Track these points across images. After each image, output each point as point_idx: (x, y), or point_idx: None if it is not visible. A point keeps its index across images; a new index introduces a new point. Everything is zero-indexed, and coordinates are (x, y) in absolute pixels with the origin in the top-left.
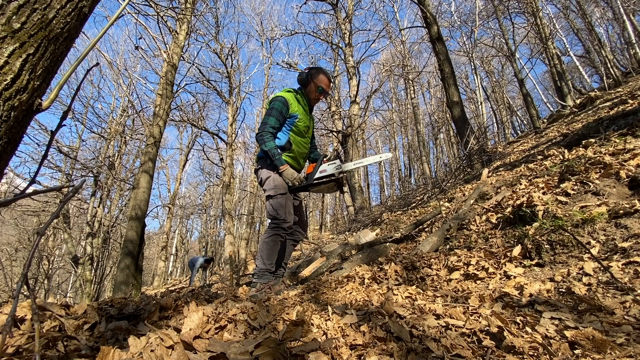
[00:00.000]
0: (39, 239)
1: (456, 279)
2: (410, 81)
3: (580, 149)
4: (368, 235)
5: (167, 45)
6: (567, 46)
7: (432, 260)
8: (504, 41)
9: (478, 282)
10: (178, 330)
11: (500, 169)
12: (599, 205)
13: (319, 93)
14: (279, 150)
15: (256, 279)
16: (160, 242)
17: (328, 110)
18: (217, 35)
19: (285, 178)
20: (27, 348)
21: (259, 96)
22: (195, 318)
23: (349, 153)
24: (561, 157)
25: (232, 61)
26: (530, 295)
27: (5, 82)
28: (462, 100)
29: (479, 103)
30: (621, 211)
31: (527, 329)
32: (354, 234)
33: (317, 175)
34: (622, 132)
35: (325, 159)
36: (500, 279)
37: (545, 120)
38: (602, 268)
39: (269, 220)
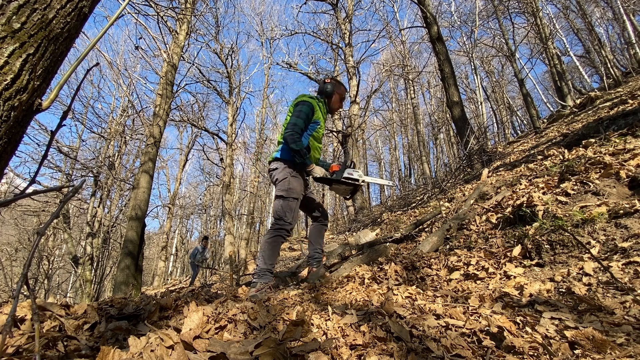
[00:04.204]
0: (39, 239)
1: (456, 279)
2: (410, 81)
3: (580, 149)
4: (368, 235)
5: (167, 45)
6: (567, 46)
7: (432, 260)
8: (504, 41)
9: (478, 282)
10: (178, 330)
11: (500, 169)
12: (599, 205)
13: (340, 102)
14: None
15: (256, 278)
16: (160, 242)
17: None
18: (217, 35)
19: (314, 174)
20: (27, 348)
21: (259, 96)
22: (195, 318)
23: (349, 153)
24: (561, 157)
25: (232, 61)
26: (530, 295)
27: (5, 82)
28: (462, 100)
29: (479, 103)
30: (621, 211)
31: (527, 329)
32: (354, 234)
33: (346, 175)
34: (622, 132)
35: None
36: (500, 279)
37: (545, 120)
38: (602, 268)
39: (273, 220)
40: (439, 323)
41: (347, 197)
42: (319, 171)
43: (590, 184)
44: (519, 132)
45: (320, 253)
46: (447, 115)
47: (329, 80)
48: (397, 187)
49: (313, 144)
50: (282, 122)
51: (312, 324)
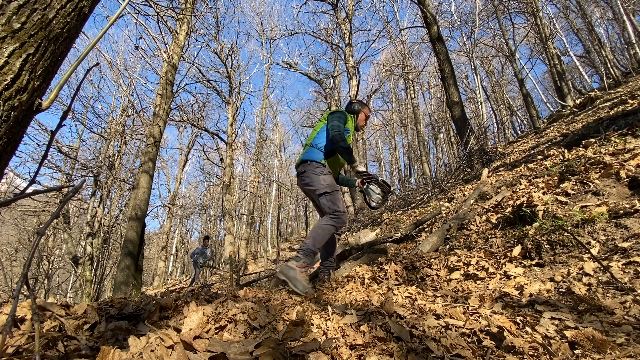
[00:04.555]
0: (39, 239)
1: (456, 279)
2: (410, 81)
3: (580, 149)
4: (368, 235)
5: (167, 45)
6: (567, 46)
7: (432, 260)
8: (504, 41)
9: (478, 282)
10: (178, 330)
11: (500, 169)
12: (599, 205)
13: (365, 120)
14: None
15: (301, 255)
16: (160, 242)
17: (328, 110)
18: (217, 35)
19: (359, 168)
20: (27, 348)
21: (259, 96)
22: (195, 318)
23: None
24: (561, 157)
25: (232, 61)
26: (530, 295)
27: (5, 82)
28: (462, 100)
29: (479, 103)
30: (621, 211)
31: (527, 329)
32: (354, 234)
33: (383, 179)
34: (622, 132)
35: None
36: (500, 279)
37: (545, 120)
38: (602, 268)
39: (327, 215)
40: (439, 323)
41: (374, 203)
42: (362, 167)
43: (590, 184)
44: (519, 132)
45: (332, 262)
46: (447, 115)
47: (355, 101)
48: (397, 188)
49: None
50: (315, 129)
51: (312, 324)
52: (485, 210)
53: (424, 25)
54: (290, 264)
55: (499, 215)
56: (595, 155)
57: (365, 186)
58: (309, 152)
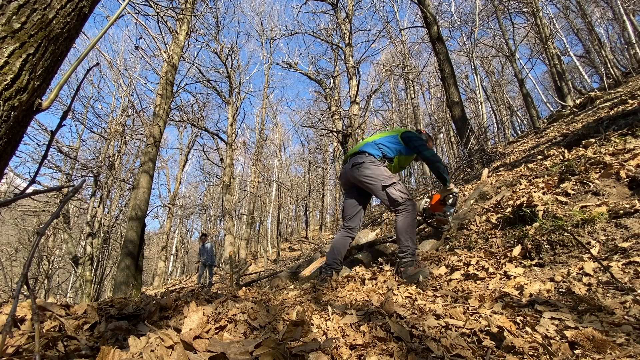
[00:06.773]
0: (39, 239)
1: (456, 279)
2: (410, 81)
3: (580, 149)
4: (368, 235)
5: (167, 45)
6: (567, 46)
7: (432, 260)
8: (504, 41)
9: (478, 282)
10: (178, 330)
11: (500, 169)
12: (599, 205)
13: None
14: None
15: (410, 257)
16: (160, 242)
17: (328, 110)
18: (217, 35)
19: (454, 189)
20: (27, 348)
21: (259, 96)
22: (195, 318)
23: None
24: (561, 157)
25: (232, 61)
26: (530, 295)
27: (5, 82)
28: (462, 100)
29: (479, 103)
30: (621, 211)
31: (527, 329)
32: None
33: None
34: (622, 132)
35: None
36: (500, 279)
37: (545, 120)
38: (602, 268)
39: (398, 207)
40: (439, 323)
41: (443, 225)
42: (455, 188)
43: (590, 184)
44: (519, 132)
45: (338, 265)
46: (447, 115)
47: (424, 132)
48: None
49: (398, 158)
50: (378, 134)
51: (312, 324)
52: (485, 210)
53: (424, 25)
54: (409, 272)
55: (499, 215)
56: (595, 155)
57: (448, 207)
58: (368, 146)
